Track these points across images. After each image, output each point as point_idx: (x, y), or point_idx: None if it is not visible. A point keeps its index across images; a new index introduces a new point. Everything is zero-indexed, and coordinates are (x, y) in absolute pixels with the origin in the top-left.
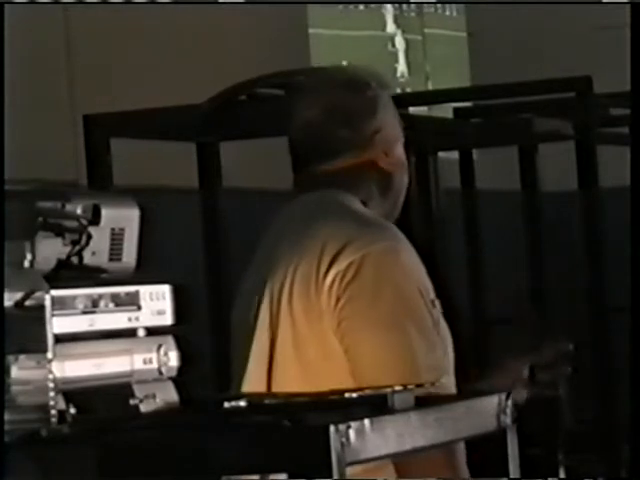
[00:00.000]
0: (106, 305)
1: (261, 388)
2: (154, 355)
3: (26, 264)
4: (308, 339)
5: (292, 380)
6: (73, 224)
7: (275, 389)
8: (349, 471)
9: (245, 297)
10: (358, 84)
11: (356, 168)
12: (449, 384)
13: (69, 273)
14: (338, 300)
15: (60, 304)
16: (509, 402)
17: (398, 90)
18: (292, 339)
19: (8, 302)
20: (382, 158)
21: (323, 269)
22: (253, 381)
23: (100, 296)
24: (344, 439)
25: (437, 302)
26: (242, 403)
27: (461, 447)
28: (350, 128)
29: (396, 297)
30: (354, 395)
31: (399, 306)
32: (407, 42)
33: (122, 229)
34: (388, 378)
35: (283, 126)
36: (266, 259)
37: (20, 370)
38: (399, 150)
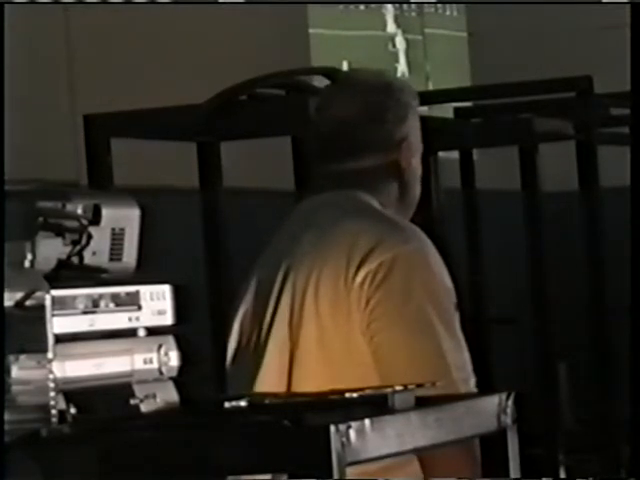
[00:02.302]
0: (106, 305)
1: (280, 386)
2: (154, 355)
3: (27, 264)
4: (334, 338)
5: (315, 379)
6: (73, 224)
7: (296, 387)
8: (349, 471)
9: (261, 289)
10: (395, 89)
11: (380, 170)
12: (473, 385)
13: (69, 273)
14: (368, 301)
15: (60, 304)
16: (509, 402)
17: None
18: (317, 337)
19: (9, 302)
20: (404, 165)
21: (353, 268)
22: (270, 378)
23: (100, 296)
24: (344, 439)
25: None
26: (242, 403)
27: (477, 443)
28: (382, 130)
29: (426, 298)
30: (354, 395)
31: (429, 307)
32: (407, 42)
33: (122, 229)
34: (419, 378)
35: (283, 126)
36: (287, 252)
37: (20, 370)
38: (418, 160)
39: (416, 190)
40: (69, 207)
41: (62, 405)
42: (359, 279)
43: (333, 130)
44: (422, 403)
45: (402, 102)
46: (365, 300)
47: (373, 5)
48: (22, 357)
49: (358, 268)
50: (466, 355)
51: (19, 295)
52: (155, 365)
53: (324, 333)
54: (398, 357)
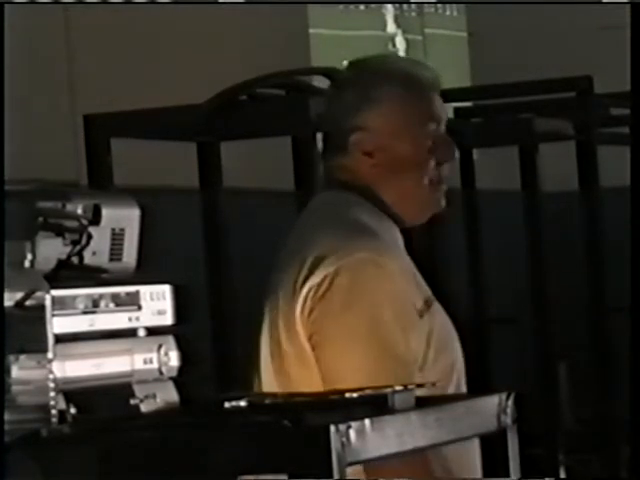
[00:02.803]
0: (106, 305)
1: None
2: (154, 355)
3: (27, 264)
4: (287, 350)
5: (276, 388)
6: (73, 224)
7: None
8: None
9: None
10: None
11: (362, 168)
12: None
13: (69, 273)
14: (311, 312)
15: (60, 304)
16: (509, 402)
17: None
18: (272, 349)
19: (9, 302)
20: (387, 159)
21: (300, 282)
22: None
23: (100, 296)
24: (344, 439)
25: (435, 307)
26: (242, 403)
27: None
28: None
29: (368, 310)
30: (354, 395)
31: (370, 319)
32: (407, 42)
33: (122, 229)
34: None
35: (283, 126)
36: (275, 260)
37: (21, 370)
38: (417, 152)
39: (416, 187)
40: (69, 207)
41: (62, 405)
42: (304, 292)
43: (323, 126)
44: (422, 403)
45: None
46: (308, 311)
47: (373, 5)
48: (22, 357)
49: (304, 282)
50: (413, 369)
51: (19, 295)
52: (155, 365)
53: (279, 346)
54: (332, 371)
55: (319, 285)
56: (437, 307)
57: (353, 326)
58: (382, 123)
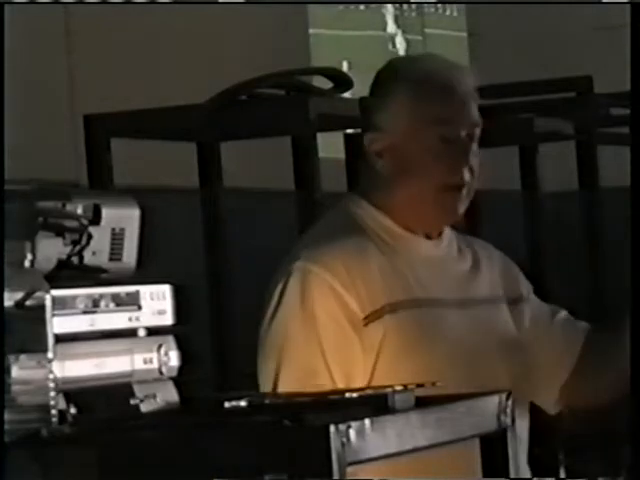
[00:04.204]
0: (106, 305)
1: None
2: (154, 355)
3: (26, 264)
4: None
5: None
6: (73, 224)
7: None
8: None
9: None
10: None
11: (363, 166)
12: None
13: (69, 273)
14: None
15: (61, 304)
16: (509, 402)
17: None
18: None
19: (9, 302)
20: (378, 156)
21: None
22: None
23: (100, 296)
24: (344, 439)
25: (401, 314)
26: (242, 403)
27: None
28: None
29: (284, 321)
30: (354, 395)
31: (283, 331)
32: (408, 42)
33: (122, 229)
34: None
35: (284, 126)
36: None
37: (20, 370)
38: (415, 149)
39: (424, 191)
40: (69, 207)
41: (62, 405)
42: None
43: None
44: (422, 403)
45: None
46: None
47: (373, 5)
48: (22, 357)
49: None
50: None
51: (19, 295)
52: (155, 365)
53: None
54: (259, 374)
55: (269, 289)
56: (410, 313)
57: (270, 336)
58: (392, 123)
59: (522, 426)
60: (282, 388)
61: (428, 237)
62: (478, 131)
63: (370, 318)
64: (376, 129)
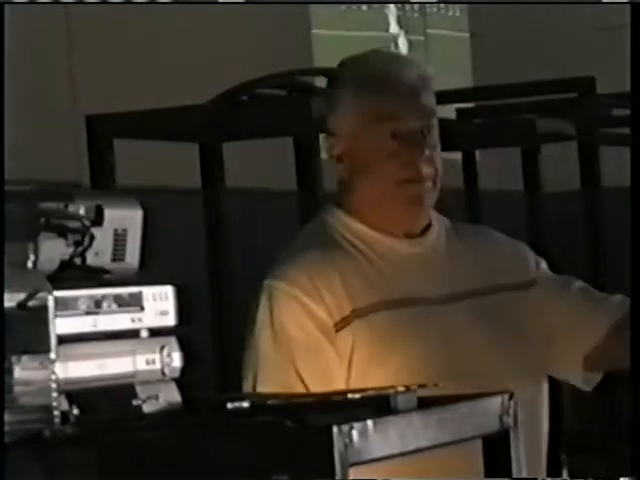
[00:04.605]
0: (109, 306)
1: None
2: (157, 356)
3: (29, 265)
4: None
5: None
6: (76, 225)
7: None
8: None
9: None
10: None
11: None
12: None
13: (72, 274)
14: None
15: (63, 305)
16: (512, 403)
17: None
18: None
19: (11, 303)
20: (349, 162)
21: None
22: None
23: (103, 297)
24: (347, 440)
25: (374, 317)
26: (245, 404)
27: None
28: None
29: (256, 340)
30: (357, 396)
31: (256, 350)
32: (410, 43)
33: (125, 230)
34: None
35: (285, 126)
36: None
37: (23, 371)
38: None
39: (386, 189)
40: (71, 208)
41: (64, 406)
42: None
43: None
44: (425, 404)
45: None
46: None
47: (375, 5)
48: (25, 358)
49: None
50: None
51: (22, 296)
52: (158, 366)
53: None
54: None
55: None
56: (383, 315)
57: (246, 351)
58: (343, 127)
59: (543, 414)
60: None
61: (408, 236)
62: (434, 122)
63: (340, 325)
64: (332, 134)
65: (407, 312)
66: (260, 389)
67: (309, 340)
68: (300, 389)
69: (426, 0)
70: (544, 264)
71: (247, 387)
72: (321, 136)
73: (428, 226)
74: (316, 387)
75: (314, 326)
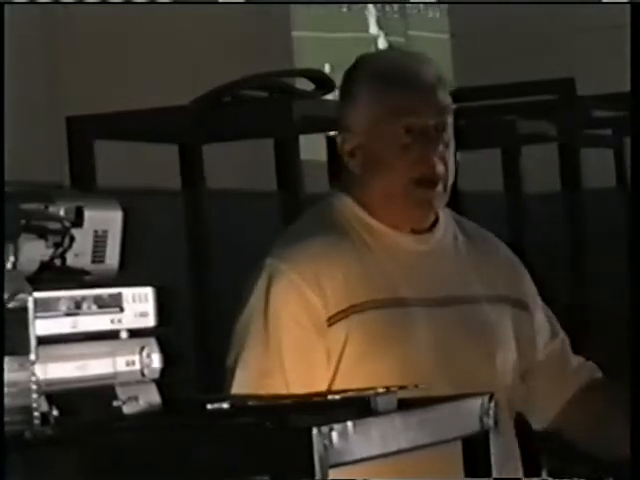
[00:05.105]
0: (89, 307)
1: None
2: (137, 357)
3: (9, 266)
4: None
5: None
6: (56, 226)
7: None
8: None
9: None
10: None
11: (347, 164)
12: None
13: (52, 275)
14: None
15: (43, 306)
16: (492, 404)
17: None
18: None
19: None
20: (362, 155)
21: None
22: None
23: (83, 298)
24: (327, 441)
25: (369, 314)
26: (225, 405)
27: None
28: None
29: (247, 319)
30: (337, 397)
31: (245, 329)
32: (390, 44)
33: (105, 231)
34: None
35: (266, 128)
36: None
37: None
38: (393, 148)
39: (398, 187)
40: (52, 209)
41: (45, 407)
42: None
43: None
44: (405, 405)
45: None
46: None
47: (355, 7)
48: (4, 359)
49: None
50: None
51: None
52: (137, 367)
53: None
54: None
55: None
56: (381, 313)
57: (235, 331)
58: (358, 121)
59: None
60: (236, 386)
61: (415, 232)
62: (449, 119)
63: (335, 318)
64: (346, 129)
65: (403, 312)
66: (239, 371)
67: (299, 332)
68: (278, 377)
69: (416, 0)
70: (535, 289)
71: (228, 364)
72: (335, 133)
73: (435, 221)
74: (295, 379)
75: (307, 318)
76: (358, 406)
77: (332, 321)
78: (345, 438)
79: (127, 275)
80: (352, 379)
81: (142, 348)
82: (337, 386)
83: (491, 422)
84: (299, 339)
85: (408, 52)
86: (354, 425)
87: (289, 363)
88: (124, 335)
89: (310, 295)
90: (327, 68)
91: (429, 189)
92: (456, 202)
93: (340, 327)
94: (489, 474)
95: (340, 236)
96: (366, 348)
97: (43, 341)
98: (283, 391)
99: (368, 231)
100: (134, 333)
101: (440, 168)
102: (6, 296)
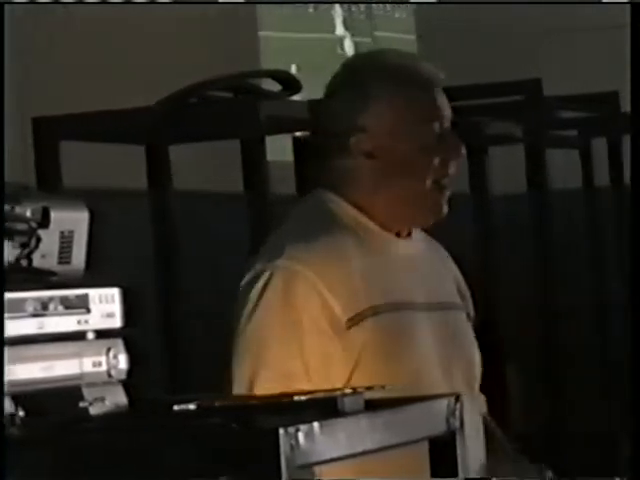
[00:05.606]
0: (55, 308)
1: None
2: (103, 358)
3: None
4: None
5: None
6: (22, 227)
7: None
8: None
9: None
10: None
11: (341, 164)
12: None
13: (18, 276)
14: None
15: (9, 307)
16: (458, 405)
17: None
18: None
19: None
20: (367, 154)
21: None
22: None
23: (49, 299)
24: (293, 442)
25: (382, 318)
26: (191, 406)
27: None
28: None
29: (263, 322)
30: (304, 398)
31: (262, 332)
32: (356, 45)
33: (71, 232)
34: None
35: (233, 128)
36: None
37: None
38: (406, 150)
39: (418, 190)
40: (18, 210)
41: (10, 408)
42: (240, 291)
43: (320, 127)
44: (372, 406)
45: (357, 84)
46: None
47: (322, 7)
48: None
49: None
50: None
51: None
52: (104, 368)
53: None
54: (231, 373)
55: (243, 286)
56: (388, 317)
57: (247, 334)
58: (381, 123)
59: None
60: (258, 389)
61: (399, 236)
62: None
63: (353, 321)
64: (360, 129)
65: (413, 315)
66: (262, 374)
67: (320, 334)
68: (303, 380)
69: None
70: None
71: (244, 370)
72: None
73: None
74: (318, 382)
75: (326, 320)
76: (325, 407)
77: (350, 324)
78: (311, 439)
79: (94, 276)
80: (369, 382)
81: (109, 349)
82: None
83: (457, 423)
84: (320, 341)
85: (412, 54)
86: (320, 426)
87: (311, 365)
88: (91, 336)
89: (329, 297)
90: (293, 69)
91: (441, 193)
92: None
93: (358, 330)
94: (455, 475)
95: (344, 236)
96: (383, 351)
97: (9, 342)
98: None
99: (364, 232)
100: (101, 334)
101: (452, 172)
102: None
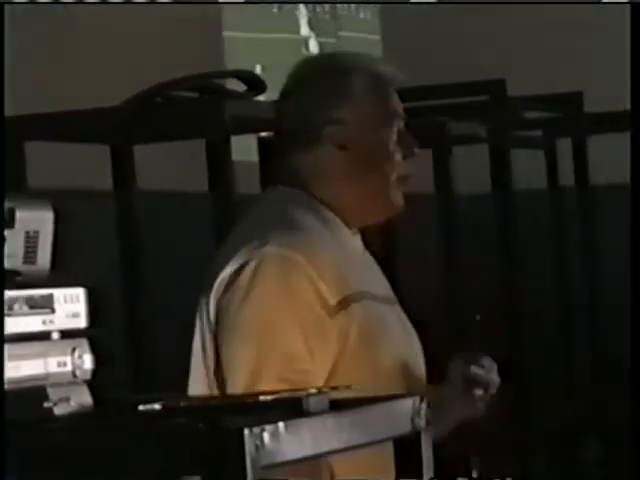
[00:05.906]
0: (20, 308)
1: None
2: (68, 358)
3: None
4: (209, 353)
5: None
6: None
7: None
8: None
9: None
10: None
11: (308, 160)
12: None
13: None
14: (218, 303)
15: None
16: (423, 405)
17: None
18: (201, 352)
19: None
20: (339, 152)
21: (216, 273)
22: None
23: (14, 299)
24: (258, 442)
25: (363, 305)
26: (156, 406)
27: None
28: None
29: (260, 305)
30: (269, 398)
31: (260, 314)
32: (321, 45)
33: (36, 232)
34: (235, 390)
35: (197, 128)
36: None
37: None
38: (379, 146)
39: (386, 182)
40: None
41: None
42: (217, 283)
43: (285, 122)
44: (337, 406)
45: (333, 82)
46: (215, 303)
47: (286, 7)
48: None
49: (219, 273)
50: (306, 367)
51: None
52: (69, 368)
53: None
54: (228, 361)
55: (229, 276)
56: (367, 305)
57: (245, 320)
58: (356, 116)
59: None
60: (264, 373)
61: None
62: None
63: (341, 305)
64: (335, 122)
65: (380, 306)
66: (268, 356)
67: (316, 317)
68: (306, 361)
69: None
70: None
71: (244, 355)
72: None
73: None
74: (320, 364)
75: (319, 304)
76: (290, 407)
77: (339, 308)
78: (277, 439)
79: (59, 276)
80: (358, 366)
81: (74, 349)
82: (339, 376)
83: (422, 423)
84: (318, 325)
85: (373, 56)
86: (286, 426)
87: (313, 346)
88: (55, 336)
89: (319, 282)
90: (258, 69)
91: (399, 189)
92: None
93: (344, 315)
94: (420, 475)
95: (318, 228)
96: (365, 338)
97: None
98: (313, 376)
99: (331, 226)
100: (65, 334)
101: (409, 170)
102: None
